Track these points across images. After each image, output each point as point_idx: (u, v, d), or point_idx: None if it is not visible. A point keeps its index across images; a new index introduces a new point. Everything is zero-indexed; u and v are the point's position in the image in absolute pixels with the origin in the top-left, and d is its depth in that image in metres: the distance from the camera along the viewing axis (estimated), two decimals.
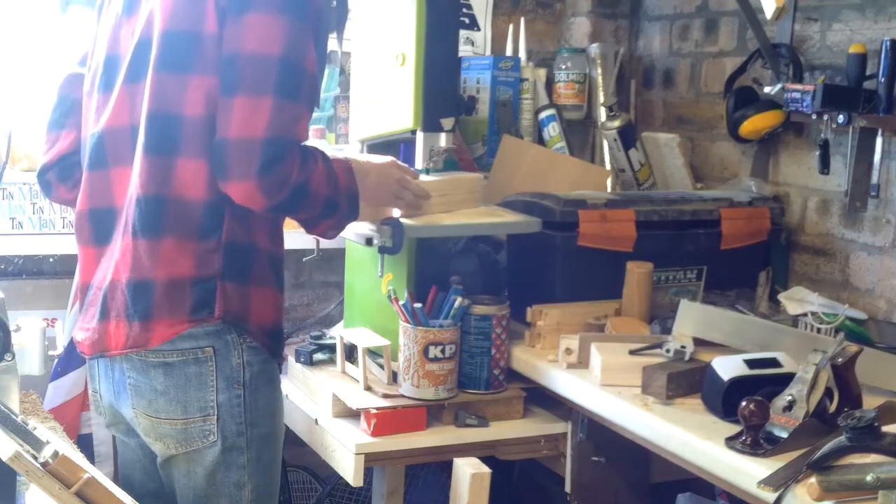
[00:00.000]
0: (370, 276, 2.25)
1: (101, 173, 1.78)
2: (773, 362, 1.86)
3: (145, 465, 1.87)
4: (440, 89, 2.20)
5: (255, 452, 1.77)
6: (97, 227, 1.79)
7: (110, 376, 1.79)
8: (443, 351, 2.10)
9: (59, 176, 1.90)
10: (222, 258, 1.70)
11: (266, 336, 1.77)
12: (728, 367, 1.84)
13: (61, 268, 2.60)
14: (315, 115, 2.78)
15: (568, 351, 2.11)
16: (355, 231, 2.08)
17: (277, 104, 1.63)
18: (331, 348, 2.35)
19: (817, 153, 2.40)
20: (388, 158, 2.06)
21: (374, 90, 2.32)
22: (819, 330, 2.15)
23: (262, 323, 1.76)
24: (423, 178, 2.15)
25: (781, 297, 2.34)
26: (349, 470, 2.07)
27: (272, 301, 1.79)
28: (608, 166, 2.91)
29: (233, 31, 1.64)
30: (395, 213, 2.06)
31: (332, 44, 2.90)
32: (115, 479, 2.34)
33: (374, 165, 1.98)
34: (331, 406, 2.16)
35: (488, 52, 3.05)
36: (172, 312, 1.69)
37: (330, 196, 1.74)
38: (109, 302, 1.73)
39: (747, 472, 1.61)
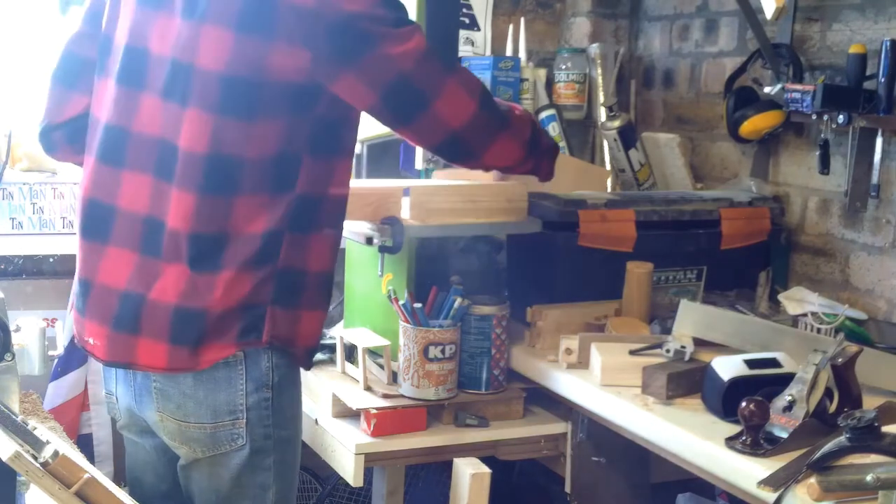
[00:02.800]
0: (370, 276, 2.25)
1: (113, 171, 1.73)
2: (773, 362, 1.86)
3: (157, 468, 1.86)
4: None
5: (280, 454, 1.76)
6: (93, 220, 1.75)
7: (130, 380, 1.76)
8: (443, 351, 2.10)
9: (67, 137, 1.86)
10: (274, 285, 1.68)
11: (308, 355, 1.78)
12: (728, 367, 1.84)
13: (61, 268, 2.60)
14: None
15: (568, 351, 2.11)
16: (355, 231, 2.08)
17: (458, 75, 1.77)
18: (331, 348, 2.35)
19: (817, 153, 2.40)
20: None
21: None
22: (819, 330, 2.15)
23: (308, 344, 1.76)
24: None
25: (781, 297, 2.34)
26: (349, 470, 2.07)
27: (319, 320, 1.78)
28: (608, 166, 2.91)
29: (381, 67, 1.66)
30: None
31: None
32: (116, 479, 2.34)
33: None
34: (331, 406, 2.16)
35: (488, 52, 3.05)
36: (221, 337, 1.66)
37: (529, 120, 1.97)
38: (144, 319, 1.68)
39: (747, 472, 1.62)
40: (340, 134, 1.73)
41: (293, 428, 1.80)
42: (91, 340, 1.77)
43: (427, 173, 2.27)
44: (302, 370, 1.82)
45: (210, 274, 1.65)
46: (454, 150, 1.85)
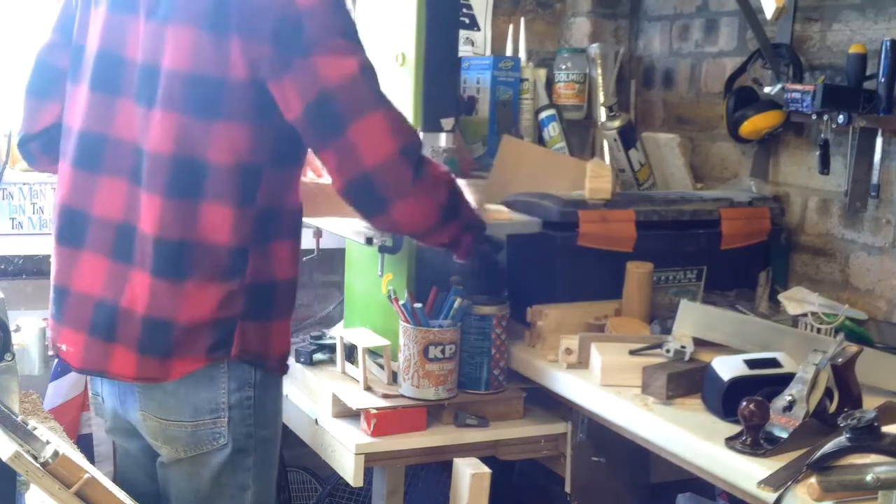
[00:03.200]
0: (370, 276, 2.25)
1: (89, 176, 1.73)
2: (773, 362, 1.87)
3: (147, 469, 1.86)
4: (440, 89, 2.19)
5: (260, 455, 1.76)
6: (69, 227, 1.75)
7: (114, 381, 1.77)
8: (443, 351, 2.10)
9: (42, 147, 1.86)
10: (245, 299, 1.68)
11: (281, 364, 1.78)
12: (728, 367, 1.84)
13: None
14: None
15: (568, 351, 2.11)
16: (355, 231, 2.08)
17: (386, 112, 1.66)
18: (331, 348, 2.35)
19: (817, 153, 2.40)
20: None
21: None
22: (819, 330, 2.15)
23: (279, 355, 1.77)
24: None
25: (781, 297, 2.34)
26: (349, 470, 2.07)
27: (288, 328, 1.79)
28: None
29: (308, 76, 1.60)
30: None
31: None
32: (115, 480, 2.34)
33: None
34: (331, 406, 2.16)
35: (488, 52, 3.05)
36: (190, 351, 1.67)
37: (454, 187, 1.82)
38: (119, 327, 1.68)
39: (747, 472, 1.62)
40: (298, 145, 1.72)
41: (273, 427, 1.80)
42: (64, 347, 1.76)
43: None
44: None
45: (174, 282, 1.65)
46: (362, 194, 1.68)
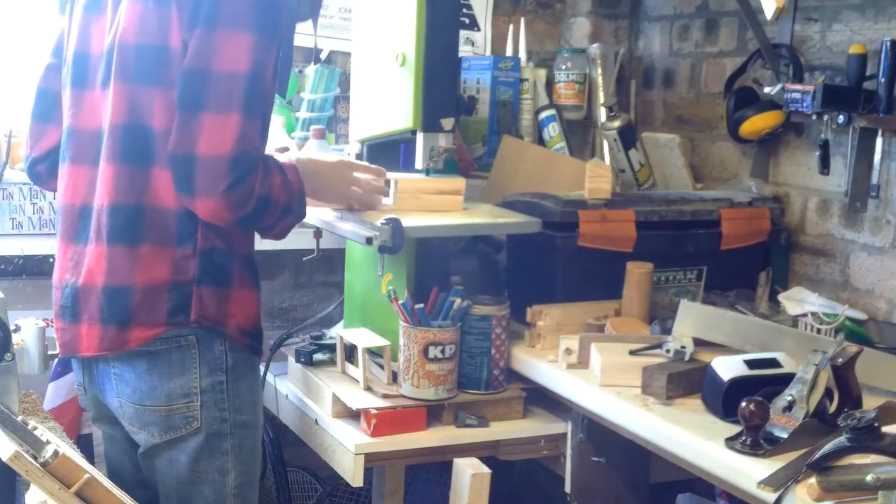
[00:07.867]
0: (370, 276, 2.25)
1: (61, 167, 1.84)
2: (773, 362, 1.87)
3: (132, 456, 1.89)
4: (440, 89, 2.20)
5: (238, 439, 1.80)
6: (62, 223, 1.84)
7: (94, 368, 1.82)
8: (443, 351, 2.10)
9: (49, 168, 1.93)
10: (198, 264, 1.74)
11: (245, 336, 1.80)
12: (728, 367, 1.84)
13: None
14: (315, 115, 2.78)
15: (568, 351, 2.11)
16: (355, 231, 2.08)
17: (244, 121, 1.65)
18: (331, 348, 2.35)
19: (817, 153, 2.40)
20: (338, 158, 2.12)
21: (374, 90, 2.31)
22: (819, 330, 2.15)
23: (241, 325, 1.79)
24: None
25: (781, 297, 2.34)
26: (349, 470, 2.07)
27: (251, 301, 1.82)
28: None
29: (201, 45, 1.65)
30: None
31: (333, 43, 2.91)
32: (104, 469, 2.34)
33: (324, 166, 2.03)
34: (331, 406, 2.16)
35: (488, 52, 3.05)
36: (150, 317, 1.73)
37: (287, 202, 1.77)
38: (81, 305, 1.76)
39: (747, 472, 1.62)
40: None
41: (252, 413, 1.83)
42: (54, 335, 1.85)
43: (428, 174, 2.27)
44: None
45: (129, 247, 1.71)
46: (182, 172, 1.66)
